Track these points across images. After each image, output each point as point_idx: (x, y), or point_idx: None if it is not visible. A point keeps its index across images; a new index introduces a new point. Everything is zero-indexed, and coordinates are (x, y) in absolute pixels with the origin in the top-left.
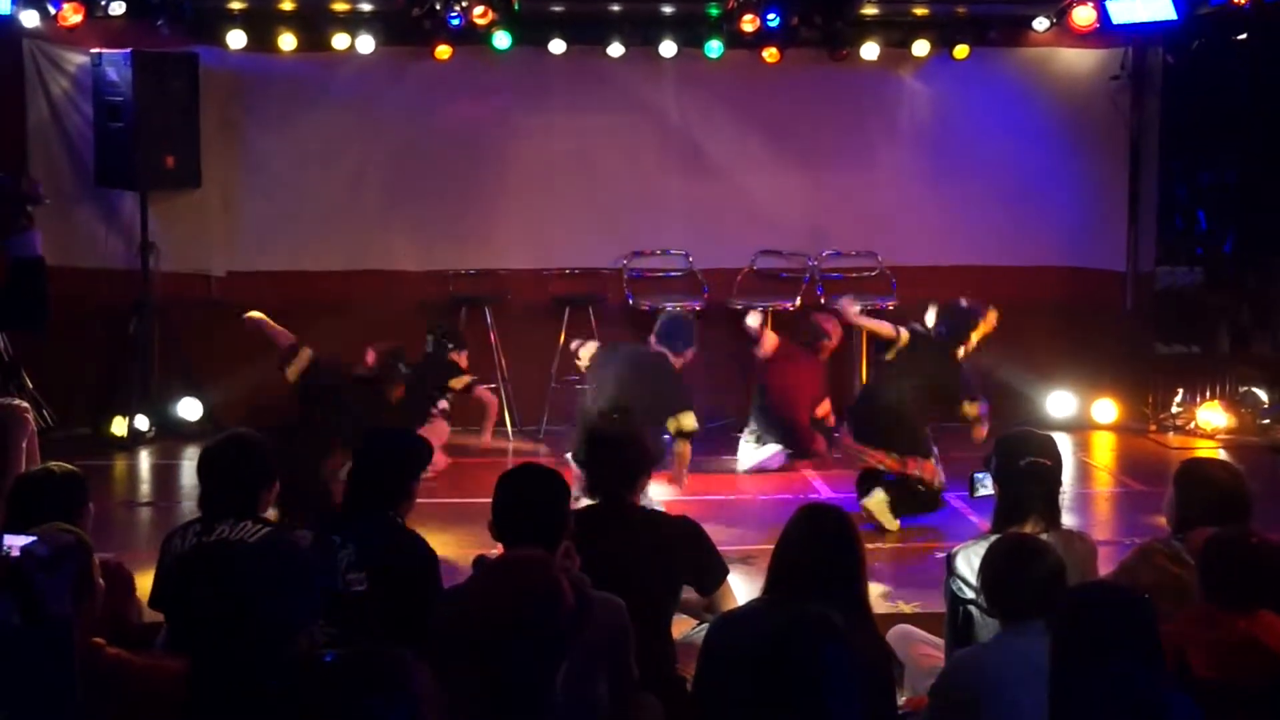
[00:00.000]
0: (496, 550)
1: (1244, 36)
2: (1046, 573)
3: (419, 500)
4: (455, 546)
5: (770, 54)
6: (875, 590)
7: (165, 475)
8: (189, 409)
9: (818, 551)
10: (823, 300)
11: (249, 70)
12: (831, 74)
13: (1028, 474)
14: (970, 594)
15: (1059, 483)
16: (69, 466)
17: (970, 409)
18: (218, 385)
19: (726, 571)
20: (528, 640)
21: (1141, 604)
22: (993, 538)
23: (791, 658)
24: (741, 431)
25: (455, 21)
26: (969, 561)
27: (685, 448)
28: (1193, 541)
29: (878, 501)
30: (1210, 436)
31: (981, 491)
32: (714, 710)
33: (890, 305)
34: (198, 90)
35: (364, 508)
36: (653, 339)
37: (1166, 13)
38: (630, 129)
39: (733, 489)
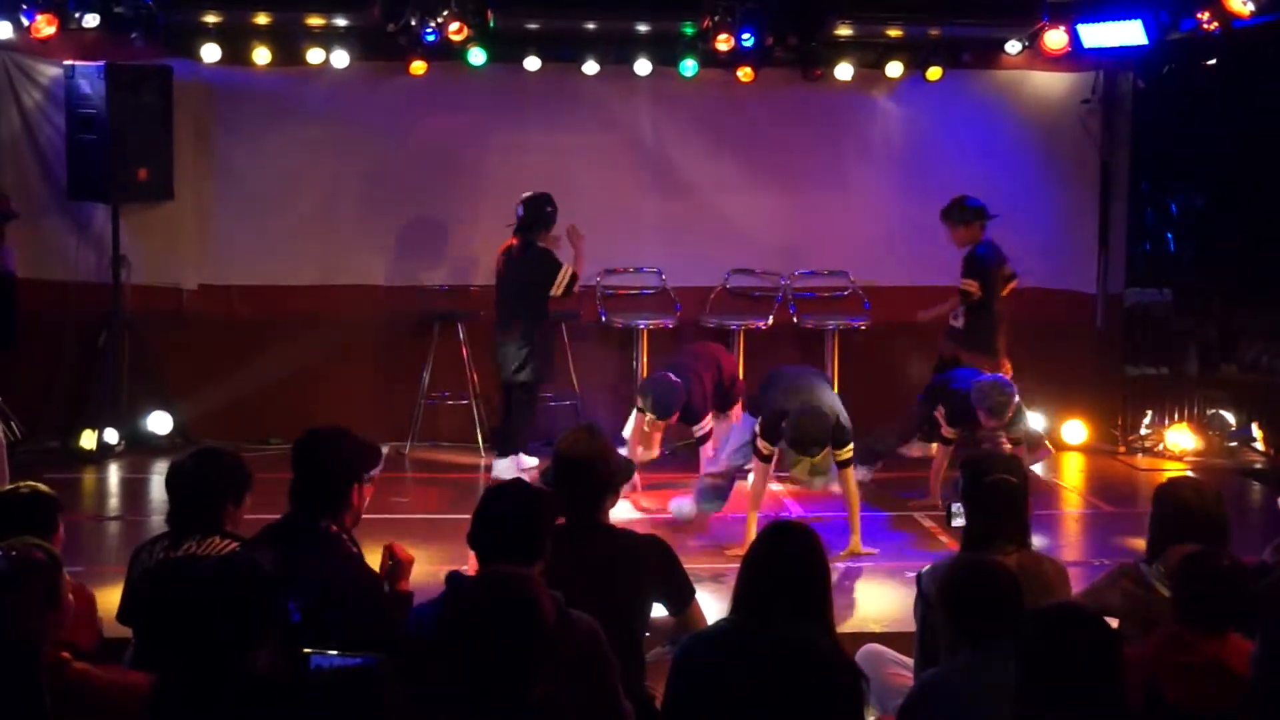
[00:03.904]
0: (469, 565)
1: (1214, 62)
2: (1002, 594)
3: (392, 517)
4: (427, 562)
5: (745, 73)
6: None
7: (134, 489)
8: (159, 423)
9: (784, 571)
10: (795, 320)
11: (223, 84)
12: (805, 94)
13: (993, 490)
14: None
15: (1025, 500)
16: (40, 486)
17: None
18: (188, 399)
19: (694, 591)
20: (507, 655)
21: (1101, 624)
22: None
23: (770, 678)
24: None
25: (430, 37)
26: (938, 580)
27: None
28: (1168, 562)
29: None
30: (1178, 459)
31: (958, 522)
32: None
33: (862, 325)
34: (171, 103)
35: (301, 520)
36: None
37: (1137, 38)
38: (604, 146)
39: None
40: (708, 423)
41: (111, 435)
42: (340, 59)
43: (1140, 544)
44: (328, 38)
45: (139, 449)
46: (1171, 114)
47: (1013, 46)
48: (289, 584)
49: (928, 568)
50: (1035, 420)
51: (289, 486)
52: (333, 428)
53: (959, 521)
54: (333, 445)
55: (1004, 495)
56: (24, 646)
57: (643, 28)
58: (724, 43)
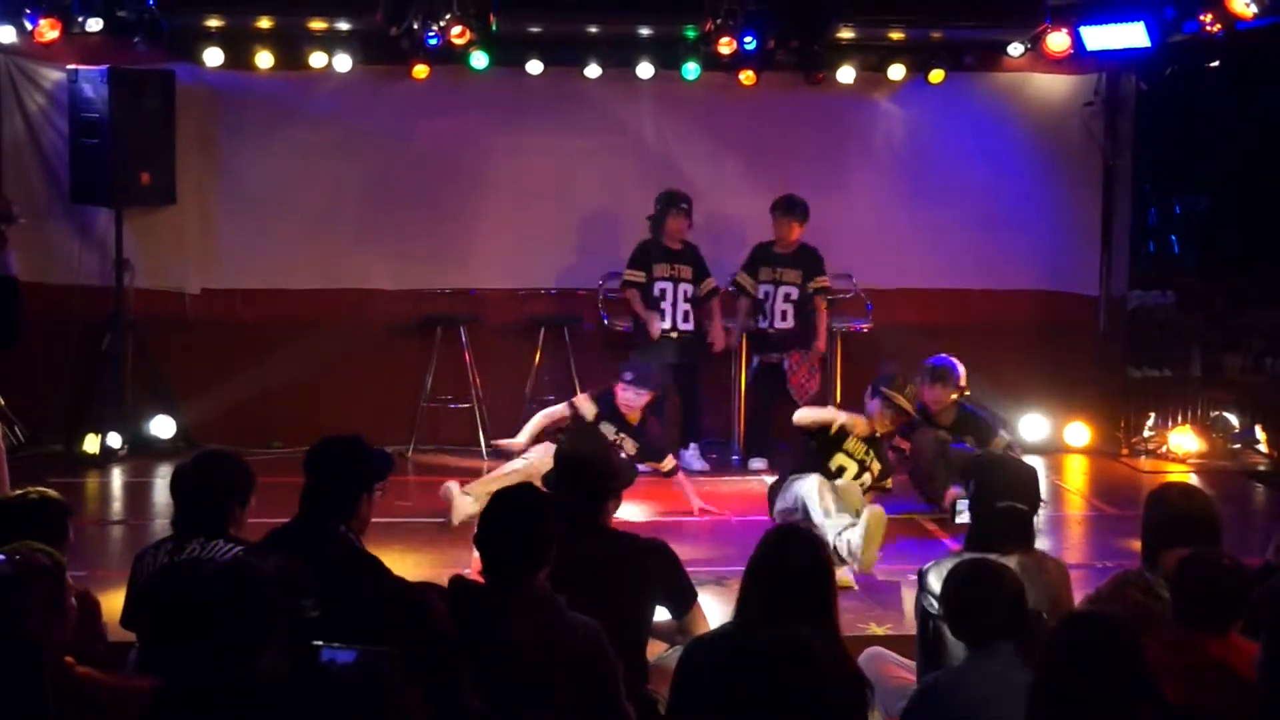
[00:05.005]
0: (472, 568)
1: (1217, 64)
2: (1006, 595)
3: (394, 520)
4: (429, 566)
5: (747, 77)
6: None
7: (138, 493)
8: (162, 427)
9: (789, 575)
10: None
11: (226, 88)
12: (807, 97)
13: (1002, 512)
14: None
15: (1034, 512)
16: (50, 493)
17: None
18: (191, 403)
19: (696, 594)
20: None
21: (1126, 632)
22: (965, 556)
23: (774, 682)
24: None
25: (433, 41)
26: (941, 578)
27: None
28: (1165, 565)
29: None
30: (1182, 461)
31: (962, 518)
32: None
33: (865, 327)
34: (174, 107)
35: (315, 522)
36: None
37: (1140, 40)
38: (607, 150)
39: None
40: (671, 460)
41: (115, 439)
42: (343, 63)
43: None
44: (330, 41)
45: (142, 453)
46: (1174, 116)
47: (1015, 49)
48: (304, 587)
49: (930, 564)
50: (1039, 423)
51: (301, 491)
52: (347, 436)
53: (964, 518)
54: (345, 453)
55: (1011, 516)
56: (26, 650)
57: (645, 31)
58: (726, 46)
